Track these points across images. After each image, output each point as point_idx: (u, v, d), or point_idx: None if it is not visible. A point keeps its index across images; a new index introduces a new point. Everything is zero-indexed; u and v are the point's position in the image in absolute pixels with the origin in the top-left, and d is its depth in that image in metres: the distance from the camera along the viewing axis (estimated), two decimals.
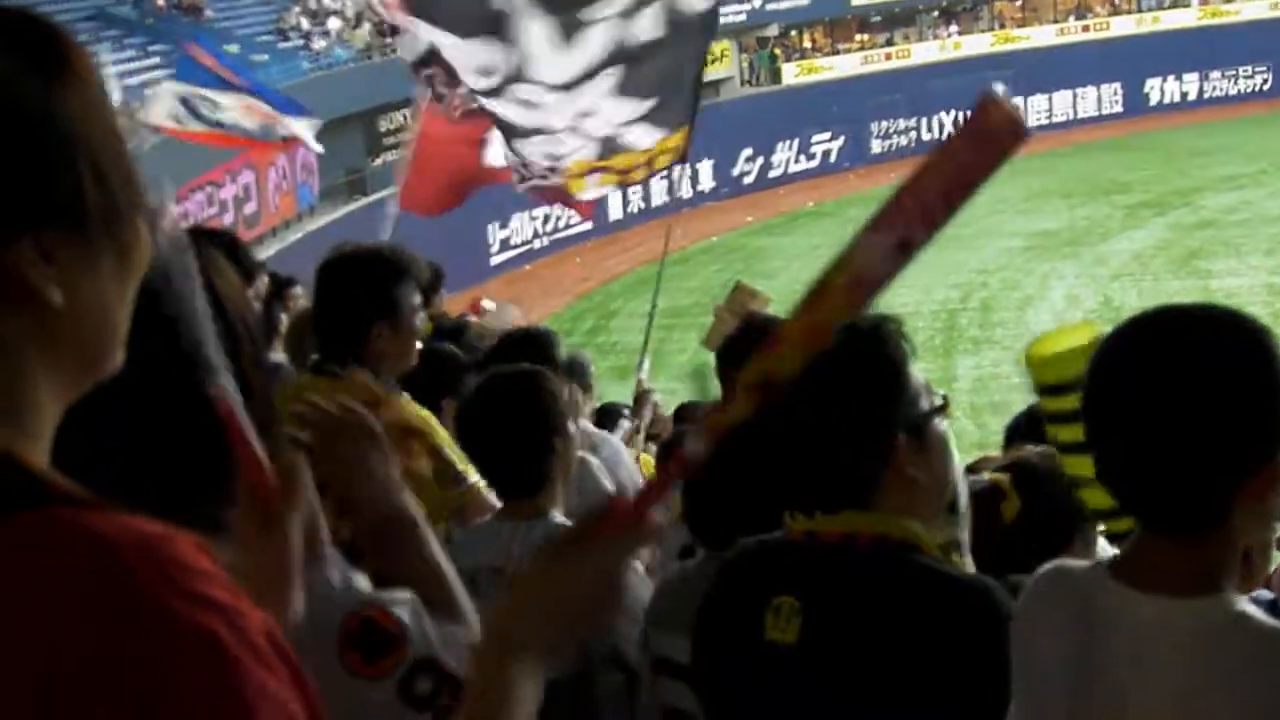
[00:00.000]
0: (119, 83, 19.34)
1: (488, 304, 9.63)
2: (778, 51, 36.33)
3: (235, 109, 11.02)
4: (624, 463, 4.79)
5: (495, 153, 8.23)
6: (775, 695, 1.90)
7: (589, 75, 7.24)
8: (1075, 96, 36.07)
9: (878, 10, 37.86)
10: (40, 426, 0.90)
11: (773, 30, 35.93)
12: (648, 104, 7.46)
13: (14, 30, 0.90)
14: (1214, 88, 36.58)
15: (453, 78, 7.58)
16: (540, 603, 1.19)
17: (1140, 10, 37.97)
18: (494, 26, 7.09)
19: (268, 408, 1.52)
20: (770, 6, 35.97)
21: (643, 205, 28.91)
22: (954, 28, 37.91)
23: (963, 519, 2.28)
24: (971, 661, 1.79)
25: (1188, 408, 1.51)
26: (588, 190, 8.06)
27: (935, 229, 1.10)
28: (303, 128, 11.35)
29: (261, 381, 1.58)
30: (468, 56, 7.24)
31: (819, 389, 1.88)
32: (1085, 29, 37.63)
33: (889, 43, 37.42)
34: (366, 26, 29.21)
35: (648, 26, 7.22)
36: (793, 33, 36.86)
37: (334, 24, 29.25)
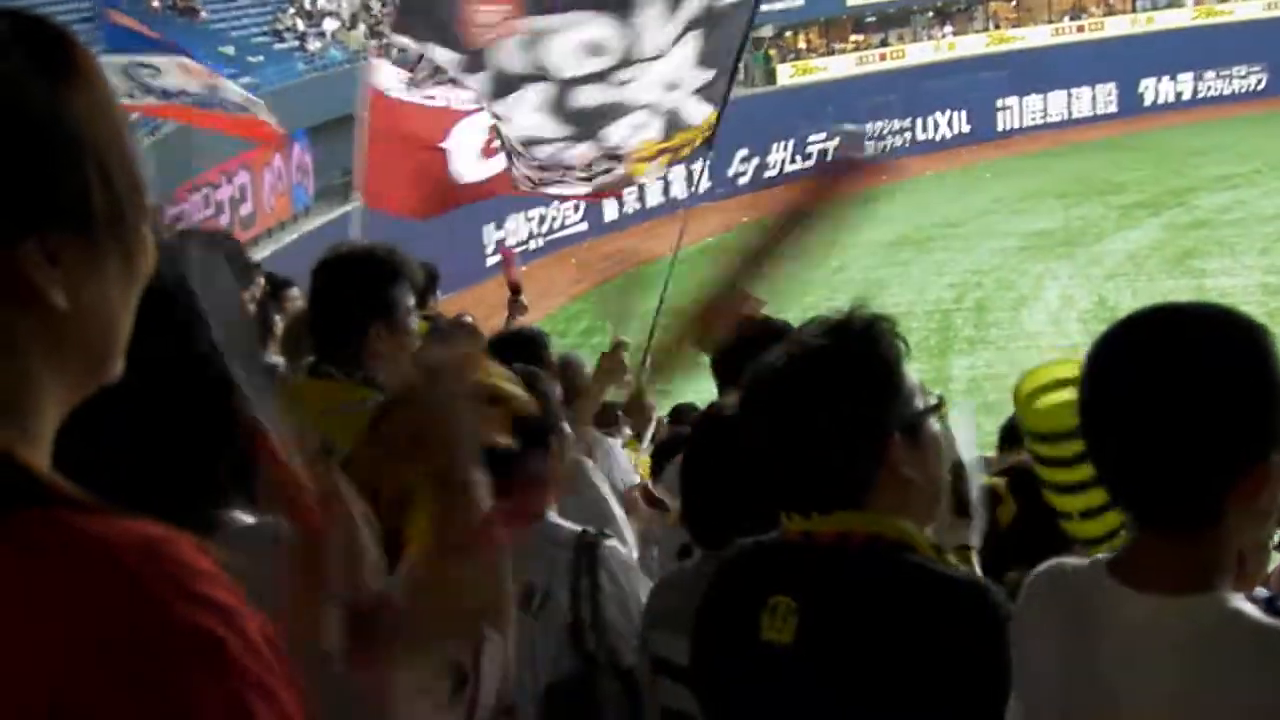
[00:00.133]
0: None
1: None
2: (772, 52, 36.34)
3: (173, 71, 10.91)
4: (620, 464, 4.79)
5: (470, 168, 8.08)
6: (772, 695, 1.91)
7: (680, 38, 7.12)
8: (1070, 96, 36.13)
9: (872, 11, 37.88)
10: (42, 429, 0.89)
11: (767, 31, 35.92)
12: (709, 74, 7.34)
13: (21, 32, 0.89)
14: (1208, 88, 36.65)
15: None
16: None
17: (1135, 10, 38.01)
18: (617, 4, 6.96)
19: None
20: (765, 7, 35.65)
21: (638, 206, 28.94)
22: (949, 28, 37.93)
23: (974, 522, 2.29)
24: (966, 660, 1.80)
25: (1181, 405, 1.51)
26: (650, 173, 7.91)
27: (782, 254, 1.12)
28: (235, 91, 11.33)
29: (256, 386, 1.58)
30: (569, 39, 7.05)
31: (813, 389, 1.89)
32: (1080, 29, 37.67)
33: (884, 43, 37.44)
34: (362, 28, 29.21)
35: None
36: (787, 33, 36.87)
37: (329, 25, 29.24)
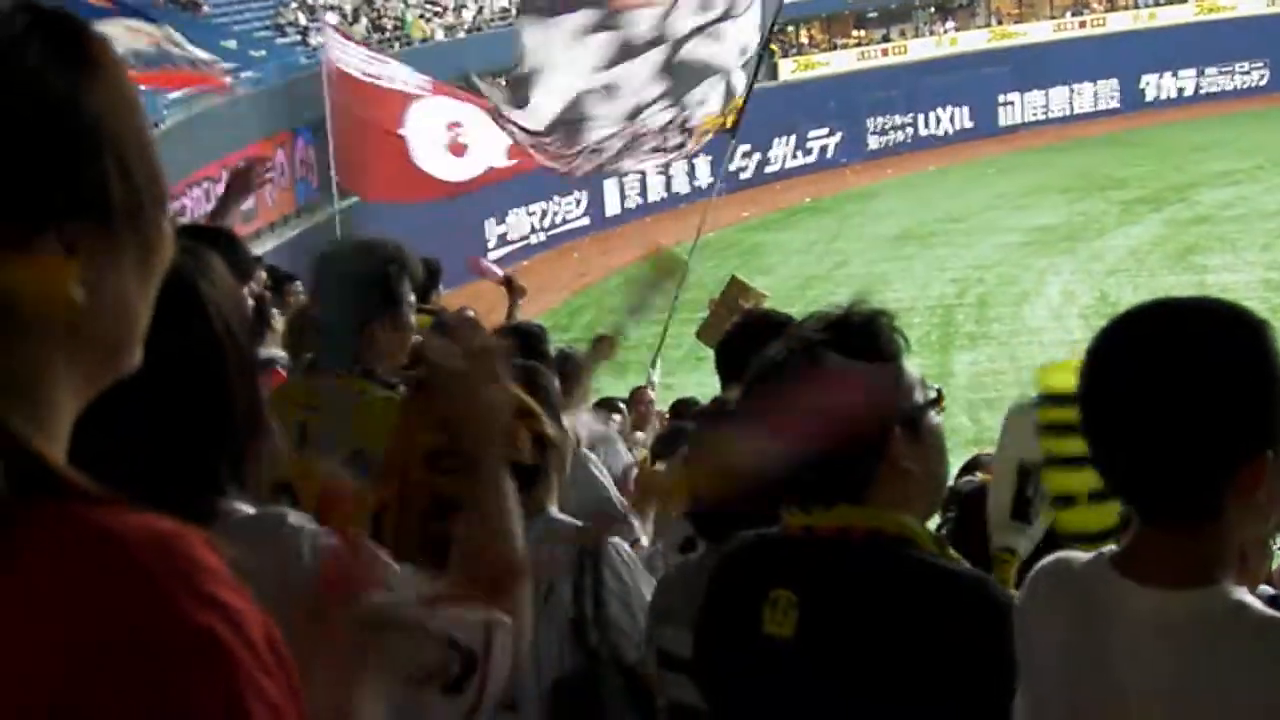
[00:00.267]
0: None
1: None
2: (774, 47, 36.27)
3: (122, 35, 10.82)
4: (620, 458, 4.79)
5: (439, 163, 8.06)
6: (774, 688, 1.91)
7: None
8: (1072, 92, 36.09)
9: (875, 6, 37.84)
10: (58, 421, 0.89)
11: None
12: (756, 41, 7.40)
13: (41, 24, 0.89)
14: (1210, 83, 36.60)
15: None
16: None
17: (1137, 6, 37.96)
18: None
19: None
20: None
21: (640, 200, 28.93)
22: (951, 24, 37.89)
23: (1029, 529, 2.29)
24: (967, 653, 1.80)
25: (1181, 399, 1.52)
26: (701, 141, 8.00)
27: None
28: (183, 44, 11.23)
29: (250, 388, 1.59)
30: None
31: (815, 383, 1.89)
32: (1082, 25, 37.62)
33: (886, 39, 37.39)
34: (364, 21, 29.20)
35: None
36: (789, 28, 36.81)
37: (331, 19, 29.22)
